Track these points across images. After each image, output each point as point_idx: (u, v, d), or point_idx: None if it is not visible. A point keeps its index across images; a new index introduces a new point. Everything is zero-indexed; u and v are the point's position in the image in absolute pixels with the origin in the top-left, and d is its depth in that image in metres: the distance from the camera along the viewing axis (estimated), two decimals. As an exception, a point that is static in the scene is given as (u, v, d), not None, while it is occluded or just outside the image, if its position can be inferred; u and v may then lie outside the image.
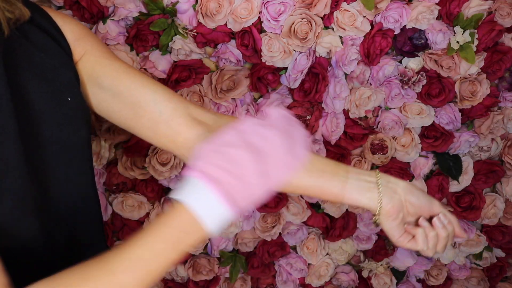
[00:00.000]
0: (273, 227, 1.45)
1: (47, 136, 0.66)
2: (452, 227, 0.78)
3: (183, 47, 1.23)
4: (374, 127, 1.40)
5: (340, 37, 1.29)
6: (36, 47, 0.69)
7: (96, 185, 0.78)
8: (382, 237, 1.54)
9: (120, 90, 0.74)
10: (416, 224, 0.78)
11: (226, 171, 0.56)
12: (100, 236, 0.80)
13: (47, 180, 0.66)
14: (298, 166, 0.61)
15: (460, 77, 1.37)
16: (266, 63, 1.26)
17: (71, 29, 0.74)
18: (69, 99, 0.70)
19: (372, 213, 0.76)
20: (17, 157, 0.61)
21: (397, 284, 1.62)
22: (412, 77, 1.35)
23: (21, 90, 0.64)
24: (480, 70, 1.37)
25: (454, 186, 1.50)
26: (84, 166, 0.73)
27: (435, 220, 0.77)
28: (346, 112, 1.37)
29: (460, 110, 1.41)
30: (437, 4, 1.27)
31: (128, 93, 0.74)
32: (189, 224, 0.57)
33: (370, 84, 1.36)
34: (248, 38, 1.24)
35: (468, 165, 1.47)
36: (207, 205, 0.57)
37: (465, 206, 1.51)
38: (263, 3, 1.21)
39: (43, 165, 0.65)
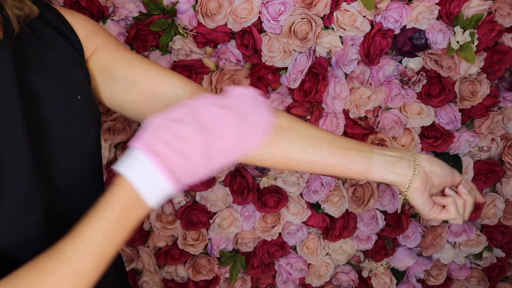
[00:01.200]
0: (273, 227, 1.45)
1: (55, 134, 0.66)
2: (475, 193, 0.80)
3: (183, 47, 1.23)
4: (374, 127, 1.40)
5: (340, 37, 1.29)
6: (46, 44, 0.69)
7: (104, 184, 0.78)
8: (382, 237, 1.54)
9: (135, 79, 0.74)
10: (442, 194, 0.78)
11: (171, 147, 0.55)
12: None
13: (54, 177, 0.66)
14: (247, 149, 0.59)
15: (460, 77, 1.37)
16: (266, 63, 1.26)
17: (82, 25, 0.74)
18: (79, 97, 0.69)
19: (400, 189, 0.75)
20: (24, 154, 0.61)
21: (397, 284, 1.62)
22: (412, 77, 1.35)
23: (29, 87, 0.64)
24: (480, 70, 1.37)
25: (454, 186, 1.50)
26: (93, 165, 0.73)
27: (460, 187, 0.78)
28: (346, 112, 1.37)
29: (460, 110, 1.41)
30: (437, 4, 1.27)
31: (144, 81, 0.74)
32: (132, 200, 0.56)
33: (370, 84, 1.36)
34: (248, 38, 1.24)
35: (468, 165, 1.47)
36: (149, 180, 0.56)
37: (465, 206, 1.51)
38: (263, 3, 1.21)
39: (51, 163, 0.65)
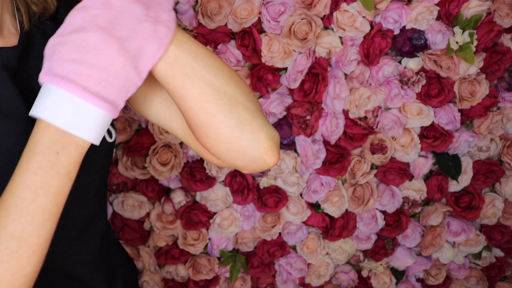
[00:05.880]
0: (273, 227, 1.45)
1: None
2: None
3: (184, 48, 1.23)
4: (374, 127, 1.40)
5: (340, 37, 1.29)
6: None
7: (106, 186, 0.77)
8: (381, 237, 1.54)
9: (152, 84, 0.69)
10: None
11: (77, 63, 0.47)
12: (104, 212, 0.78)
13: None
14: (165, 31, 0.51)
15: (459, 78, 1.37)
16: (266, 63, 1.27)
17: None
18: None
19: None
20: None
21: (396, 284, 1.62)
22: (412, 77, 1.35)
23: (34, 97, 0.59)
24: (479, 71, 1.37)
25: (454, 186, 1.50)
26: (104, 171, 0.71)
27: None
28: (345, 112, 1.37)
29: (460, 110, 1.42)
30: (436, 4, 1.28)
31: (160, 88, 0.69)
32: (57, 142, 0.48)
33: (370, 84, 1.36)
34: (248, 39, 1.24)
35: (467, 165, 1.48)
36: (72, 112, 0.47)
37: (464, 206, 1.52)
38: (263, 3, 1.21)
39: None
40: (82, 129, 0.48)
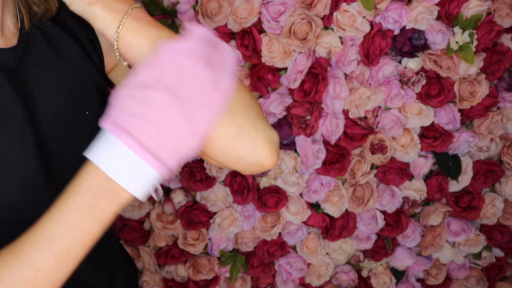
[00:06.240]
0: (273, 227, 1.45)
1: (63, 149, 0.62)
2: None
3: (184, 48, 1.23)
4: (374, 127, 1.40)
5: (340, 37, 1.29)
6: (57, 52, 0.65)
7: None
8: (381, 237, 1.54)
9: None
10: None
11: (141, 119, 0.48)
12: None
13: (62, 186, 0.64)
14: (224, 95, 0.51)
15: (459, 78, 1.37)
16: (266, 64, 1.27)
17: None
18: (87, 112, 0.65)
19: None
20: (35, 173, 0.58)
21: (396, 284, 1.62)
22: (412, 77, 1.35)
23: (32, 99, 0.60)
24: (479, 71, 1.37)
25: (454, 186, 1.50)
26: None
27: None
28: (345, 112, 1.37)
29: (460, 110, 1.42)
30: (436, 4, 1.28)
31: None
32: (100, 187, 0.48)
33: (370, 84, 1.36)
34: (248, 39, 1.24)
35: (467, 165, 1.48)
36: (122, 162, 0.47)
37: (464, 206, 1.52)
38: (263, 3, 1.21)
39: (60, 179, 0.63)
40: (128, 181, 0.49)
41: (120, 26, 0.55)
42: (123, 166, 0.48)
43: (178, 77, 0.49)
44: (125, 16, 0.55)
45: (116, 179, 0.48)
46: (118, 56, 0.58)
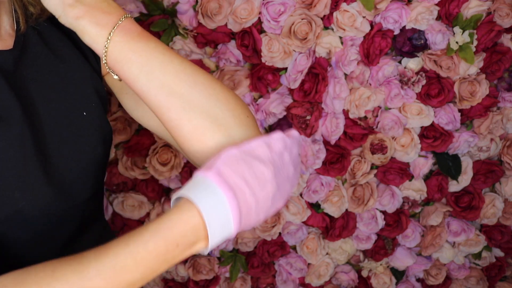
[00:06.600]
0: (273, 227, 1.45)
1: (61, 150, 0.63)
2: None
3: (183, 48, 1.23)
4: (374, 127, 1.40)
5: (340, 37, 1.29)
6: (54, 53, 0.65)
7: (103, 188, 0.76)
8: (381, 237, 1.54)
9: None
10: None
11: (250, 188, 0.50)
12: (101, 214, 0.78)
13: (65, 191, 0.64)
14: (278, 208, 0.55)
15: (460, 78, 1.37)
16: (266, 63, 1.27)
17: None
18: (84, 113, 0.66)
19: None
20: (34, 173, 0.59)
21: (396, 284, 1.63)
22: (412, 77, 1.35)
23: (30, 100, 0.61)
24: (479, 71, 1.37)
25: (453, 186, 1.50)
26: (99, 175, 0.71)
27: None
28: (345, 112, 1.37)
29: (460, 110, 1.42)
30: (436, 4, 1.28)
31: None
32: (185, 234, 0.49)
33: (370, 84, 1.36)
34: (248, 39, 1.24)
35: (467, 165, 1.48)
36: (219, 217, 0.49)
37: (464, 206, 1.52)
38: (263, 3, 1.21)
39: (59, 179, 0.63)
40: (214, 238, 0.50)
41: (108, 41, 0.56)
42: (218, 221, 0.49)
43: (281, 163, 0.53)
44: (112, 30, 0.56)
45: (210, 234, 0.49)
46: (108, 70, 0.59)
